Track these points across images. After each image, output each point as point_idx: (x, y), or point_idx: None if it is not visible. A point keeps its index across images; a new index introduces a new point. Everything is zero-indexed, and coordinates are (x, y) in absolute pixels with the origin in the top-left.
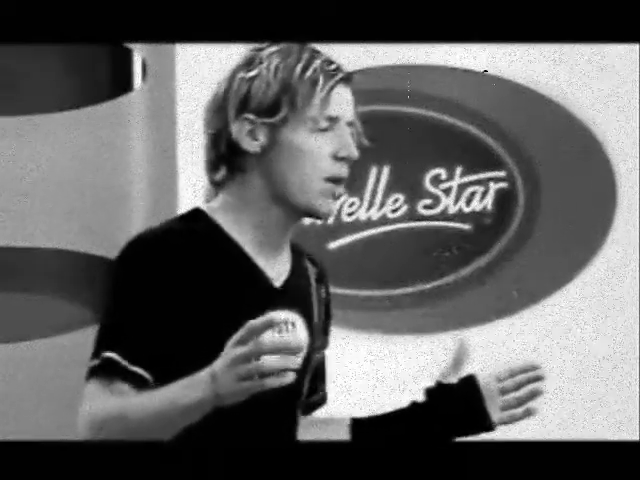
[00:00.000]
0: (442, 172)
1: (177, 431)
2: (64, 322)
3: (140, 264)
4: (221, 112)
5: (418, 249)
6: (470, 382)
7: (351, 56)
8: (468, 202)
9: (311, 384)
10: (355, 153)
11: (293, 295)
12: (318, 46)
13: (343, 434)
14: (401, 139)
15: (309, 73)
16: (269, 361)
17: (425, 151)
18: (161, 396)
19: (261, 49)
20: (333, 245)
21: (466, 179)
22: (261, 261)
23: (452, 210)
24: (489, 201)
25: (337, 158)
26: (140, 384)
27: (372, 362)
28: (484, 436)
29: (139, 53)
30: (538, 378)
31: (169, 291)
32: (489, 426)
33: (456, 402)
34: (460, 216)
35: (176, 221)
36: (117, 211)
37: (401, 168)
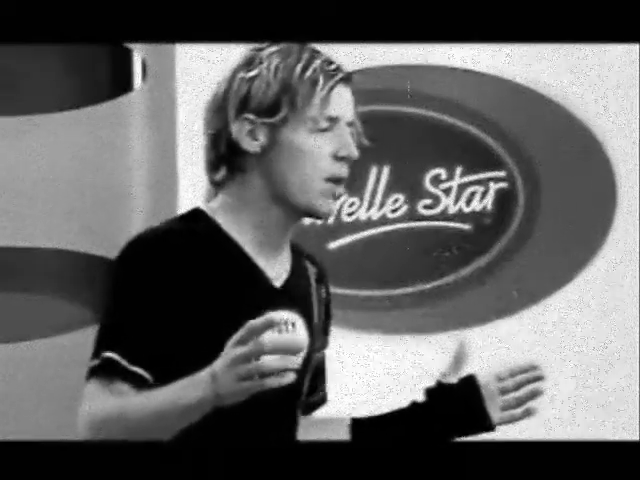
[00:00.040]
0: (442, 172)
1: (177, 431)
2: (64, 322)
3: (140, 264)
4: (221, 112)
5: (418, 249)
6: (470, 382)
7: (351, 56)
8: (468, 202)
9: (311, 384)
10: (355, 153)
11: (293, 295)
12: (318, 46)
13: (343, 434)
14: (401, 139)
15: (309, 73)
16: (269, 361)
17: (425, 151)
18: (161, 396)
19: (261, 49)
20: (333, 245)
21: (466, 179)
22: (261, 261)
23: (452, 210)
24: (489, 201)
25: (337, 158)
26: (140, 384)
27: (372, 362)
28: (484, 436)
29: (139, 53)
30: (538, 378)
31: (169, 291)
32: (489, 426)
33: (456, 402)
34: (460, 216)
35: (176, 221)
36: (117, 211)
37: (401, 168)
